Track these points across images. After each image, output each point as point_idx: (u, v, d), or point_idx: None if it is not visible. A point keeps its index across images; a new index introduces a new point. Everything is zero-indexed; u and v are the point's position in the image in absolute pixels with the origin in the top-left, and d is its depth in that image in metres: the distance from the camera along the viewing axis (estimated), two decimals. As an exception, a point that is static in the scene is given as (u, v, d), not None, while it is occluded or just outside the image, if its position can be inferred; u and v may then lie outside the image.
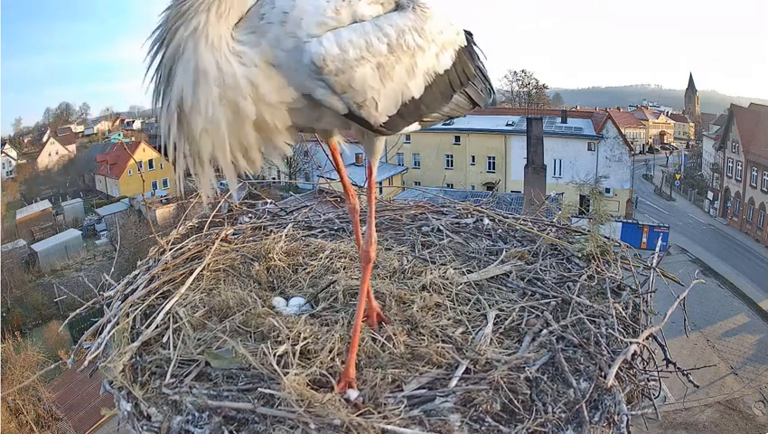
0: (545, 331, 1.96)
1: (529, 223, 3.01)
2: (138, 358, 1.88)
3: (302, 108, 1.54)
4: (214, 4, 1.41)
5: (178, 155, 1.46)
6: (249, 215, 3.29)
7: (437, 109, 1.85)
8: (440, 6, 1.85)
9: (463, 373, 1.74)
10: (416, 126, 1.82)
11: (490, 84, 2.14)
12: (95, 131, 61.78)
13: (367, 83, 1.54)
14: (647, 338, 1.98)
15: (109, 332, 2.01)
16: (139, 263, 2.58)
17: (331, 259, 2.57)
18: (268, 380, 1.67)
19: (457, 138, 32.10)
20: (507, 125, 31.32)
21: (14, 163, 49.67)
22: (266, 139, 1.55)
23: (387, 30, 1.60)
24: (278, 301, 2.21)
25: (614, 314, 2.06)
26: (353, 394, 1.64)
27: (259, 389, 1.62)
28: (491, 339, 1.94)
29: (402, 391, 1.67)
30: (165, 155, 1.44)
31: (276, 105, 1.49)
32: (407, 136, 22.13)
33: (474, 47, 2.07)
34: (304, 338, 1.83)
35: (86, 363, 1.94)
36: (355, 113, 1.56)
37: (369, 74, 1.54)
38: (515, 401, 1.60)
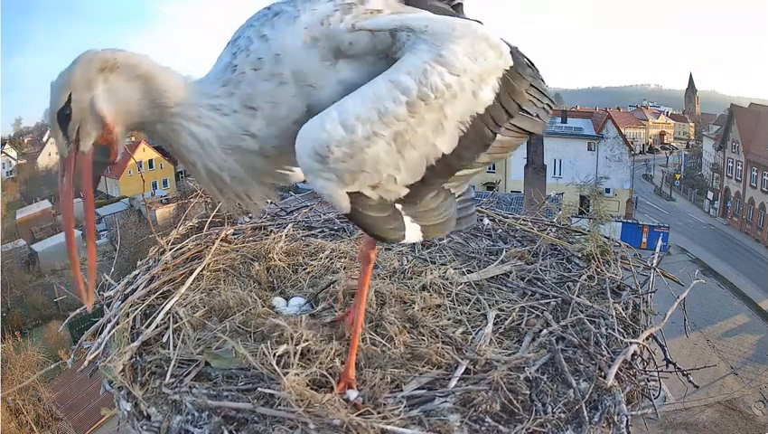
0: (545, 331, 1.96)
1: (529, 223, 3.01)
2: (138, 358, 1.88)
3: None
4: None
5: (228, 203, 1.52)
6: (249, 215, 3.29)
7: (472, 161, 1.46)
8: (466, 21, 1.46)
9: (462, 374, 1.74)
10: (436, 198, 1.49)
11: (548, 99, 1.66)
12: (95, 131, 61.77)
13: (381, 162, 1.30)
14: (647, 338, 1.98)
15: (109, 332, 2.01)
16: (139, 263, 2.58)
17: (331, 259, 2.57)
18: (268, 380, 1.67)
19: (457, 138, 32.00)
20: (507, 125, 31.22)
21: (14, 163, 49.68)
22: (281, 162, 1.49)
23: (404, 83, 1.30)
24: (278, 301, 2.21)
25: (614, 314, 2.06)
26: (353, 394, 1.61)
27: (259, 389, 1.62)
28: (491, 339, 1.94)
29: (402, 391, 1.67)
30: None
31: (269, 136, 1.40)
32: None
33: (522, 59, 1.59)
34: (306, 340, 1.83)
35: (86, 363, 1.95)
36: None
37: (384, 150, 1.30)
38: (515, 402, 1.60)
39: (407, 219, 1.43)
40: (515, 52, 1.57)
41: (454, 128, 1.38)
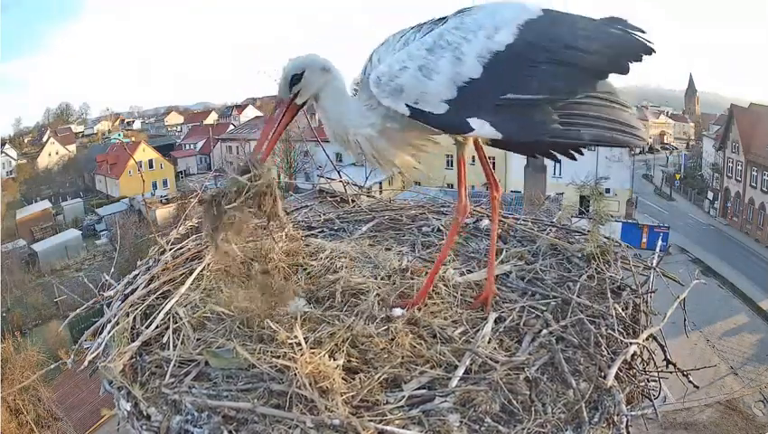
0: (545, 331, 1.96)
1: (529, 223, 3.00)
2: (138, 358, 1.88)
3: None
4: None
5: (384, 167, 2.09)
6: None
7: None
8: None
9: (462, 373, 1.74)
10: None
11: None
12: (95, 131, 61.86)
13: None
14: (647, 338, 1.98)
15: (109, 332, 2.01)
16: (139, 263, 2.58)
17: (331, 259, 2.57)
18: (269, 380, 1.67)
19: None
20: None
21: (14, 163, 49.70)
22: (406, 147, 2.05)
23: (426, 38, 1.89)
24: (300, 302, 2.20)
25: (614, 314, 2.06)
26: (398, 312, 2.01)
27: (274, 360, 1.67)
28: (491, 339, 1.94)
29: (402, 390, 1.67)
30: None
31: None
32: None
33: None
34: (305, 340, 1.82)
35: (86, 363, 1.95)
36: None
37: (413, 75, 1.83)
38: (514, 402, 1.60)
39: (469, 119, 1.80)
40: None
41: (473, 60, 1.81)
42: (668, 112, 62.98)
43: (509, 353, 1.86)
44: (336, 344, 1.82)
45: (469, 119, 1.79)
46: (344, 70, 2.06)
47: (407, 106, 1.83)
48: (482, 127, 1.78)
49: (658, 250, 2.54)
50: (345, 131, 2.01)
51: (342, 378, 1.66)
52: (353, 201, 3.51)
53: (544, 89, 1.80)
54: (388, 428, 1.48)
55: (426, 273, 2.36)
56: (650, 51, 1.90)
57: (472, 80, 1.79)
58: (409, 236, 2.96)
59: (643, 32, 1.94)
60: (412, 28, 2.05)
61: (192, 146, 52.20)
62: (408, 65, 1.85)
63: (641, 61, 1.91)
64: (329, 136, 2.10)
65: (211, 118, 58.48)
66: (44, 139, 52.68)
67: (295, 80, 1.98)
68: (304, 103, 2.04)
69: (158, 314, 2.08)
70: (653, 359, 1.99)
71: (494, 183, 2.38)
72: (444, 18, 2.00)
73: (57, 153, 50.26)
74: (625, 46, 1.90)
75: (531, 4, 1.93)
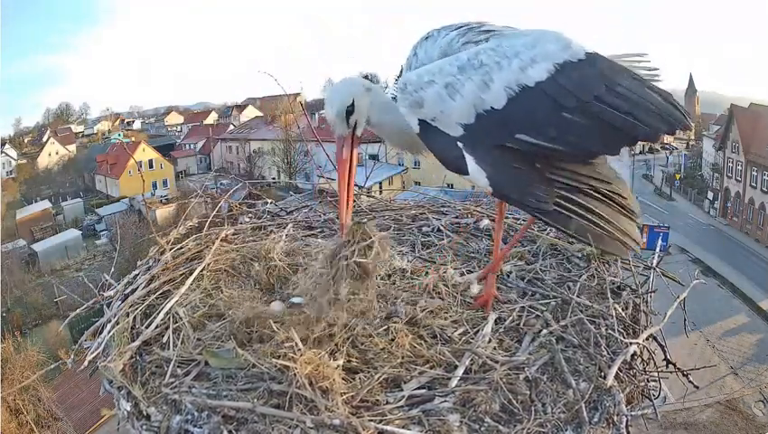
0: (545, 331, 1.96)
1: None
2: (138, 358, 1.88)
3: None
4: None
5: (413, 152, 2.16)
6: (249, 215, 3.29)
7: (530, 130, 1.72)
8: None
9: (462, 373, 1.74)
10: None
11: None
12: (95, 131, 61.86)
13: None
14: (647, 338, 1.98)
15: (109, 332, 2.01)
16: (139, 263, 2.58)
17: (331, 259, 2.57)
18: (269, 379, 1.67)
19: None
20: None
21: (14, 163, 49.72)
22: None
23: (460, 56, 1.85)
24: (276, 306, 2.20)
25: (614, 314, 2.06)
26: (476, 288, 2.17)
27: (274, 360, 1.64)
28: (491, 339, 1.94)
29: (402, 390, 1.67)
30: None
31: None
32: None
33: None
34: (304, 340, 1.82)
35: (86, 362, 1.94)
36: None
37: (437, 92, 1.80)
38: (514, 402, 1.60)
39: (468, 157, 1.76)
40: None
41: (500, 89, 1.74)
42: (668, 112, 62.77)
43: (509, 353, 1.86)
44: (336, 344, 1.82)
45: (468, 159, 1.74)
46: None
47: (421, 122, 1.82)
48: (476, 174, 1.73)
49: (658, 249, 2.54)
50: (410, 137, 1.96)
51: (342, 378, 1.66)
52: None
53: (560, 141, 1.69)
54: (388, 428, 1.48)
55: (427, 273, 2.36)
56: (687, 127, 1.81)
57: (492, 110, 1.73)
58: (409, 236, 2.96)
59: (683, 108, 1.85)
60: (458, 28, 2.00)
61: (191, 146, 52.25)
62: (437, 80, 1.81)
63: (673, 134, 1.85)
64: (396, 148, 2.14)
65: (211, 118, 58.51)
66: (44, 139, 52.67)
67: (349, 112, 1.94)
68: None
69: (158, 314, 2.08)
70: (653, 359, 1.99)
71: None
72: (490, 31, 1.95)
73: (57, 153, 50.27)
74: (663, 115, 1.77)
75: (576, 44, 1.81)
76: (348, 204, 2.00)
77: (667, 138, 55.74)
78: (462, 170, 1.77)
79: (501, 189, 1.75)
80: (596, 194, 1.76)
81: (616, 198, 1.79)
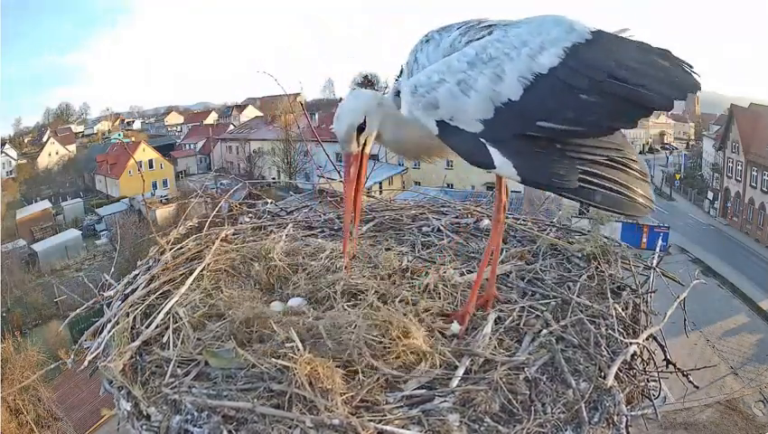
0: (545, 331, 1.96)
1: (529, 223, 3.01)
2: (138, 358, 1.88)
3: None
4: None
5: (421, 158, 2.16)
6: (249, 215, 3.29)
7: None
8: None
9: (462, 373, 1.74)
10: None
11: None
12: (95, 131, 61.86)
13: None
14: (647, 338, 1.98)
15: (109, 332, 2.01)
16: (139, 263, 2.58)
17: (331, 259, 2.57)
18: (269, 379, 1.67)
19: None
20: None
21: (14, 163, 49.71)
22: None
23: (467, 51, 1.82)
24: (276, 306, 2.20)
25: (614, 314, 2.06)
26: (456, 328, 1.96)
27: (273, 360, 1.64)
28: (491, 339, 1.94)
29: (401, 390, 1.67)
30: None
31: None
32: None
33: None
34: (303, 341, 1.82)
35: (86, 362, 1.94)
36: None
37: (450, 90, 1.77)
38: (514, 402, 1.60)
39: (493, 151, 1.73)
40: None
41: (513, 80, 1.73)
42: (668, 112, 62.92)
43: (509, 353, 1.86)
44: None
45: (493, 153, 1.72)
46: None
47: (438, 123, 1.78)
48: (503, 166, 1.71)
49: (658, 249, 2.54)
50: (426, 145, 1.95)
51: (342, 378, 1.66)
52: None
53: (580, 122, 1.70)
54: (388, 428, 1.48)
55: (427, 273, 2.36)
56: (697, 88, 1.80)
57: (510, 102, 1.72)
58: (409, 236, 2.96)
59: (691, 66, 1.84)
60: (458, 28, 1.96)
61: (191, 146, 52.24)
62: (447, 78, 1.78)
63: (685, 99, 1.82)
64: (411, 160, 2.12)
65: (211, 118, 58.50)
66: (44, 139, 52.66)
67: (360, 129, 1.90)
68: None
69: (158, 314, 2.08)
70: (653, 359, 1.99)
71: (504, 188, 2.31)
72: (491, 25, 1.92)
73: (57, 153, 50.26)
74: (675, 82, 1.77)
75: (580, 24, 1.81)
76: (353, 229, 1.93)
77: (667, 138, 55.91)
78: (488, 165, 1.74)
79: (530, 177, 1.73)
80: (613, 163, 1.77)
81: (630, 163, 1.81)
